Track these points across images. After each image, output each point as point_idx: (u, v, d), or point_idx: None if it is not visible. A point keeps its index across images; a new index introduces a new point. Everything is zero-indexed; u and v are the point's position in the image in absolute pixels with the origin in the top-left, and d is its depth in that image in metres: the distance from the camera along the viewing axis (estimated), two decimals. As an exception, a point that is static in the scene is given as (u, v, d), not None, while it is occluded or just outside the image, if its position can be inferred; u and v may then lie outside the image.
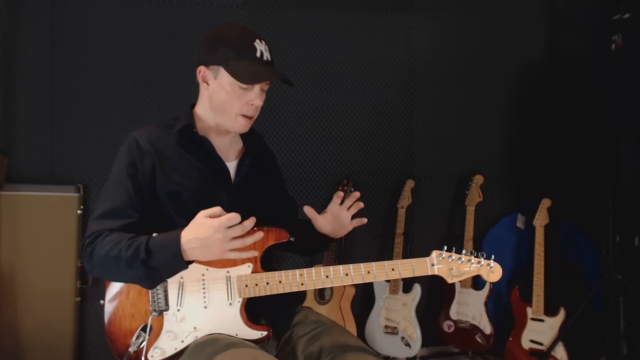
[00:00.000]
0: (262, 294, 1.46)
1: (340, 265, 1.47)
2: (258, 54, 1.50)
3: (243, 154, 1.64)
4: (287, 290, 1.46)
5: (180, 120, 1.59)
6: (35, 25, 2.70)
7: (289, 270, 1.47)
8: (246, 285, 1.46)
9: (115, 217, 1.45)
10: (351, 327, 2.74)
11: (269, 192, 1.69)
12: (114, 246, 1.38)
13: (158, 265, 1.35)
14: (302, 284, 1.46)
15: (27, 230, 2.56)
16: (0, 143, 2.67)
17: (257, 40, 1.51)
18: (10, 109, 2.69)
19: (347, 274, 1.46)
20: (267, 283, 1.46)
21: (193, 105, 1.63)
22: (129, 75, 2.78)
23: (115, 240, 1.39)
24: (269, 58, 1.52)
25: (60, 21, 2.72)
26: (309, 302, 2.79)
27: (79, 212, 2.64)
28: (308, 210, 1.60)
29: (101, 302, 1.48)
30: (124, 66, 2.78)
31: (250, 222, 1.37)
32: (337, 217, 1.63)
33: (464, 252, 1.52)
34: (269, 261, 1.60)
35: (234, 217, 1.34)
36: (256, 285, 1.46)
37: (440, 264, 1.50)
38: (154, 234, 1.40)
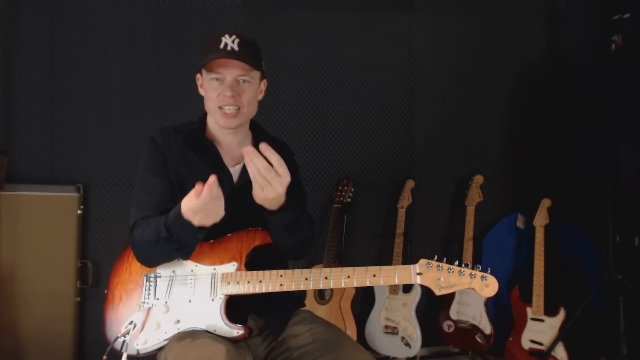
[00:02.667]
0: (243, 292, 1.49)
1: (321, 269, 1.48)
2: (221, 45, 1.53)
3: None
4: (266, 290, 1.48)
5: (194, 124, 1.67)
6: (35, 25, 2.70)
7: (270, 271, 1.49)
8: (228, 283, 1.50)
9: (151, 207, 1.55)
10: (351, 327, 2.74)
11: None
12: (144, 231, 1.49)
13: (180, 237, 1.43)
14: (281, 285, 1.47)
15: (27, 230, 2.56)
16: (0, 143, 2.67)
17: (227, 35, 1.54)
18: (10, 109, 2.69)
19: (326, 278, 1.46)
20: (248, 282, 1.49)
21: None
22: (129, 75, 2.78)
23: (145, 226, 1.50)
24: (235, 48, 1.53)
25: (60, 21, 2.73)
26: (309, 302, 2.79)
27: (79, 212, 2.64)
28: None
29: (105, 291, 1.57)
30: (124, 66, 2.78)
31: (212, 178, 1.38)
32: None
33: (456, 262, 1.44)
34: (271, 262, 1.60)
35: (208, 190, 1.36)
36: (237, 283, 1.49)
37: (427, 273, 1.43)
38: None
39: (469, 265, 1.43)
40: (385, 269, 1.44)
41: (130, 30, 2.79)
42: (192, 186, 1.53)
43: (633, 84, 2.76)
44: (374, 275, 1.44)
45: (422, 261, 1.44)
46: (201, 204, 1.36)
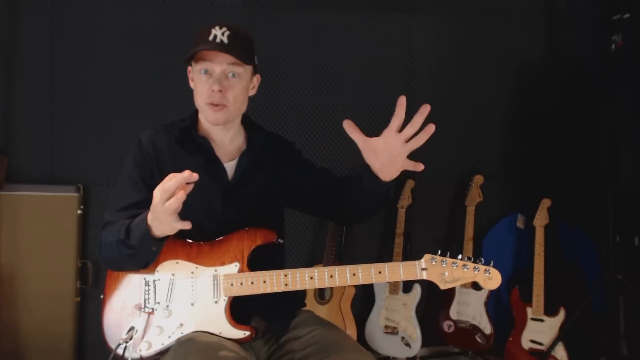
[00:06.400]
0: (247, 293, 1.47)
1: (326, 268, 1.46)
2: (210, 37, 1.49)
3: (242, 153, 1.63)
4: (271, 290, 1.46)
5: (185, 121, 1.64)
6: (35, 25, 2.70)
7: (274, 271, 1.47)
8: (231, 284, 1.47)
9: (122, 211, 1.53)
10: (351, 327, 2.74)
11: (274, 187, 1.66)
12: (110, 233, 1.47)
13: (135, 244, 1.39)
14: (285, 285, 1.46)
15: (27, 230, 2.56)
16: (0, 143, 2.67)
17: (217, 27, 1.51)
18: (10, 109, 2.69)
19: (331, 276, 1.45)
20: (252, 282, 1.47)
21: None
22: (129, 75, 2.78)
23: (113, 229, 1.47)
24: (224, 41, 1.49)
25: (60, 21, 2.73)
26: (309, 302, 2.79)
27: (79, 212, 2.64)
28: (348, 125, 1.31)
29: (101, 296, 1.55)
30: (124, 66, 2.78)
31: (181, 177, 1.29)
32: (390, 147, 1.33)
33: (459, 256, 1.45)
34: (272, 261, 1.59)
35: (170, 180, 1.29)
36: (241, 284, 1.47)
37: (432, 268, 1.43)
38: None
39: (472, 259, 1.45)
40: (390, 265, 1.44)
41: (130, 30, 2.78)
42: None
43: (633, 83, 2.76)
44: (380, 272, 1.43)
45: (427, 256, 1.44)
46: (160, 191, 1.28)
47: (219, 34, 1.50)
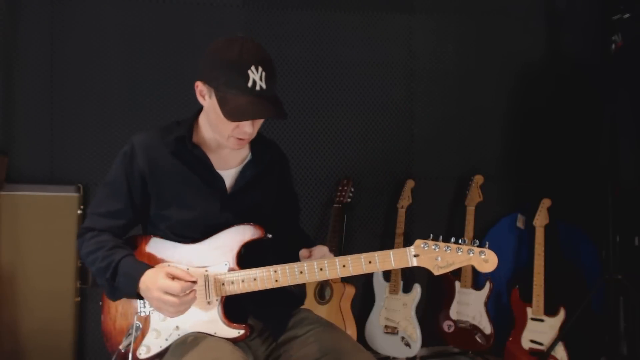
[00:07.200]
0: (239, 291, 1.46)
1: (315, 261, 1.44)
2: (250, 84, 1.37)
3: (246, 164, 1.60)
4: (262, 287, 1.45)
5: (181, 126, 1.57)
6: (35, 25, 2.70)
7: (264, 267, 1.45)
8: (223, 284, 1.47)
9: (106, 218, 1.54)
10: (351, 327, 2.73)
11: (271, 197, 1.65)
12: (94, 251, 1.48)
13: (119, 286, 1.45)
14: (276, 281, 1.44)
15: (27, 230, 2.56)
16: (0, 143, 2.67)
17: (253, 67, 1.37)
18: (10, 109, 2.69)
19: (321, 269, 1.42)
20: (242, 280, 1.46)
21: (200, 110, 1.58)
22: (129, 75, 2.78)
23: (97, 245, 1.49)
24: (263, 87, 1.38)
25: (60, 21, 2.73)
26: (309, 302, 2.79)
27: (79, 212, 2.64)
28: (303, 254, 1.55)
29: (100, 303, 1.57)
30: (123, 66, 2.78)
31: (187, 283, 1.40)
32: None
33: (452, 239, 1.37)
34: (264, 258, 1.58)
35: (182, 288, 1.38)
36: (232, 283, 1.46)
37: (424, 254, 1.36)
38: (127, 257, 1.46)
39: (466, 241, 1.37)
40: (380, 254, 1.39)
41: (130, 30, 2.78)
42: (178, 195, 1.53)
43: (633, 83, 2.76)
44: (370, 262, 1.39)
45: (418, 242, 1.38)
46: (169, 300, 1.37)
47: (257, 78, 1.37)
